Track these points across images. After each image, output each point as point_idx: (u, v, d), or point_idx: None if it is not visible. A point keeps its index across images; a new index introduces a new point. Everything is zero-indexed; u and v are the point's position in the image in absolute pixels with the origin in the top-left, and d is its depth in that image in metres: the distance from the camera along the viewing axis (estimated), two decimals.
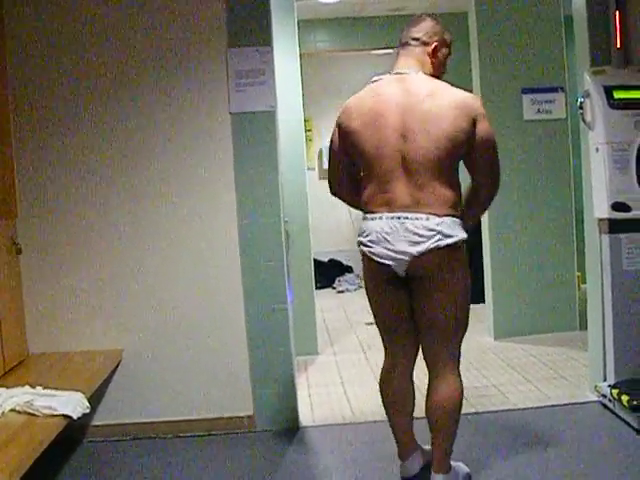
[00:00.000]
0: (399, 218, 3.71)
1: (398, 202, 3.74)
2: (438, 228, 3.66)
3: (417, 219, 3.68)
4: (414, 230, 3.67)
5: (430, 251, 3.67)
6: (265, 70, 4.98)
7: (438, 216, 3.68)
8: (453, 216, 3.72)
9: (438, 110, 3.69)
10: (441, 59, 3.98)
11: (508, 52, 7.05)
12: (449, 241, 3.67)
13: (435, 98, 3.73)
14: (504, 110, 7.04)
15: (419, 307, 3.87)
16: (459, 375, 3.89)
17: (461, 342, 3.92)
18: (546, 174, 7.16)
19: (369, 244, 3.80)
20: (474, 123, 3.70)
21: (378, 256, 3.77)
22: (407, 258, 3.70)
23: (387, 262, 3.76)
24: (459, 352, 3.92)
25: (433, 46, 3.93)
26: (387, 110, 3.78)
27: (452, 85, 3.81)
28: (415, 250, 3.67)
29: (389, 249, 3.73)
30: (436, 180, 3.69)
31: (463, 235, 3.75)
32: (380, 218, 3.76)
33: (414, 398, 4.10)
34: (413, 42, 3.93)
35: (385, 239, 3.73)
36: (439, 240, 3.66)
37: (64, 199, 5.02)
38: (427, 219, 3.67)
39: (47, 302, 5.05)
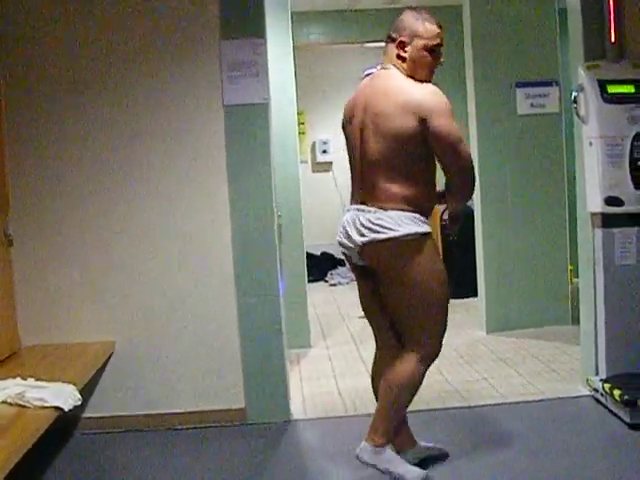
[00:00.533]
0: (357, 210, 3.92)
1: (358, 196, 3.97)
2: (379, 222, 3.80)
3: (367, 212, 3.86)
4: (362, 222, 3.86)
5: (373, 243, 3.83)
6: (258, 62, 4.96)
7: (384, 210, 3.81)
8: (403, 210, 3.79)
9: (387, 109, 3.80)
10: (412, 54, 3.87)
11: (502, 46, 7.05)
12: (390, 234, 3.77)
13: (389, 96, 3.82)
14: (498, 104, 7.04)
15: (384, 298, 4.03)
16: (420, 364, 3.91)
17: (433, 333, 3.93)
18: (539, 168, 7.15)
19: (338, 233, 4.00)
20: (423, 121, 3.72)
21: (340, 244, 4.01)
22: (356, 247, 3.90)
23: (344, 250, 4.02)
24: (429, 343, 3.93)
25: (398, 41, 3.90)
26: (356, 108, 3.97)
27: (425, 81, 3.84)
28: (360, 240, 3.86)
29: (346, 238, 3.95)
30: (385, 176, 3.84)
31: (412, 229, 3.77)
32: (349, 210, 4.00)
33: None
34: (388, 39, 3.97)
35: (345, 229, 3.95)
36: (379, 233, 3.79)
37: (56, 191, 5.01)
38: (374, 212, 3.84)
39: (39, 294, 5.04)
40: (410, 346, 3.93)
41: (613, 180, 4.86)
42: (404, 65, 3.89)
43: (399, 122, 3.75)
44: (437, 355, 3.99)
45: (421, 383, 3.95)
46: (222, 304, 5.07)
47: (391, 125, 3.77)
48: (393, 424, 3.95)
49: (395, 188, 3.80)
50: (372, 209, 3.84)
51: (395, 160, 3.80)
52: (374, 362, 4.25)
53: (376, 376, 4.17)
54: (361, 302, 4.23)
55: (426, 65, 3.87)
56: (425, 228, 3.82)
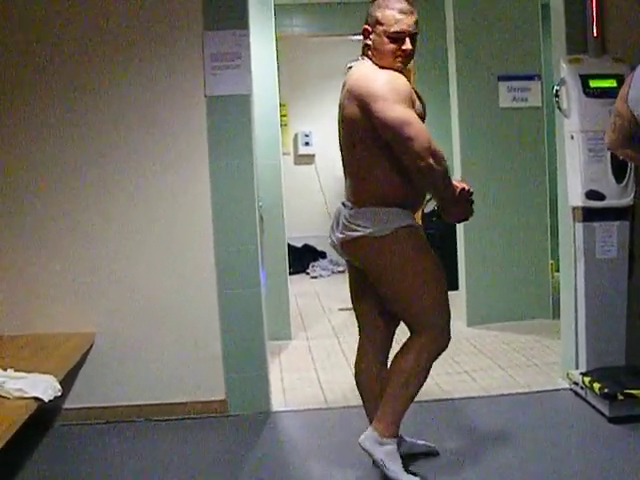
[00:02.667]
0: (343, 205, 3.91)
1: (345, 190, 3.96)
2: (353, 220, 3.79)
3: (347, 208, 3.85)
4: (342, 220, 3.85)
5: (349, 241, 3.82)
6: (241, 54, 4.95)
7: (359, 207, 3.79)
8: (377, 205, 3.75)
9: (343, 99, 3.80)
10: (375, 41, 3.78)
11: (484, 39, 7.05)
12: (361, 233, 3.75)
13: (345, 86, 3.81)
14: (480, 97, 7.05)
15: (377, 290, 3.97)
16: (424, 354, 3.82)
17: (432, 323, 3.83)
18: (521, 162, 7.17)
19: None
20: (366, 108, 3.63)
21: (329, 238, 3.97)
22: (337, 243, 3.90)
23: (331, 245, 3.98)
24: (430, 333, 3.82)
25: (363, 29, 3.84)
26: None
27: (392, 69, 3.74)
28: (339, 238, 3.86)
29: (332, 234, 3.94)
30: (357, 171, 3.83)
31: (386, 226, 3.72)
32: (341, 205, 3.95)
33: (381, 384, 4.01)
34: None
35: (332, 224, 3.95)
36: (353, 232, 3.79)
37: (35, 181, 4.98)
38: (350, 209, 3.84)
39: (19, 284, 5.02)
40: (412, 335, 3.88)
41: (594, 174, 4.88)
42: (370, 53, 3.82)
43: (348, 111, 3.73)
44: (444, 344, 3.89)
45: (427, 373, 3.88)
46: (203, 295, 5.06)
47: (344, 115, 3.78)
48: (398, 416, 3.87)
49: (367, 183, 3.76)
50: (349, 205, 3.84)
51: (359, 153, 3.76)
52: (357, 357, 4.19)
53: (360, 372, 4.15)
54: (350, 291, 4.19)
55: (388, 52, 3.73)
56: (402, 222, 3.75)
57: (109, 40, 4.93)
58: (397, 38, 3.71)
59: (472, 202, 3.85)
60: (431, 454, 4.22)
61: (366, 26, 3.81)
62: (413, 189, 3.78)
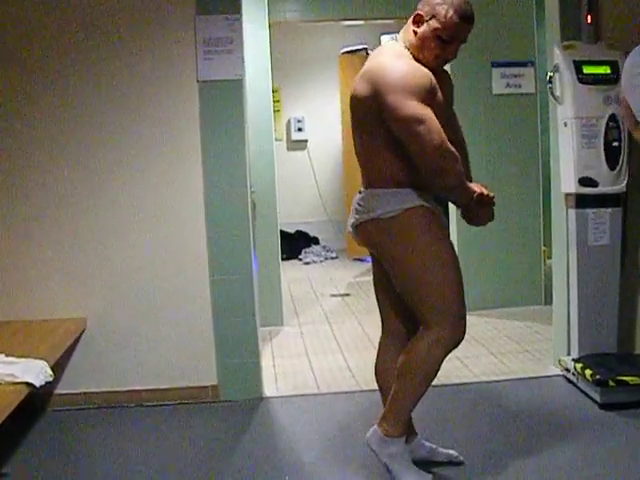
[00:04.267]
0: (358, 193, 3.79)
1: (362, 178, 3.81)
2: (363, 203, 3.69)
3: (359, 193, 3.76)
4: (354, 204, 3.76)
5: (360, 225, 3.71)
6: (234, 38, 4.93)
7: (368, 189, 3.70)
8: (386, 187, 3.60)
9: (358, 78, 3.63)
10: (423, 33, 3.55)
11: (478, 25, 6.93)
12: (369, 216, 3.63)
13: (366, 67, 3.65)
14: (473, 83, 7.04)
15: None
16: (435, 348, 3.57)
17: (444, 313, 3.57)
18: (514, 148, 7.16)
19: None
20: (377, 93, 3.47)
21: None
22: (351, 229, 3.78)
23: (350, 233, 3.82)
24: (442, 325, 3.56)
25: (415, 14, 3.59)
26: None
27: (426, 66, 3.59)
28: (350, 223, 3.77)
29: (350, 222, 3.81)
30: (364, 152, 3.71)
31: (393, 207, 3.56)
32: None
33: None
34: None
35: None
36: (361, 214, 3.68)
37: (24, 167, 4.96)
38: (362, 193, 3.74)
39: (10, 270, 5.00)
40: (423, 328, 3.63)
41: (587, 161, 4.87)
42: (412, 41, 3.61)
43: (359, 91, 3.57)
44: (458, 338, 3.64)
45: (437, 369, 3.63)
46: (195, 281, 5.06)
47: (355, 93, 3.61)
48: (405, 414, 3.69)
49: (377, 163, 3.62)
50: (362, 189, 3.73)
51: (367, 133, 3.62)
52: (378, 353, 3.98)
53: (379, 368, 3.94)
54: (373, 286, 4.00)
55: (431, 51, 3.57)
56: (412, 203, 3.56)
57: (101, 25, 4.90)
58: (447, 42, 3.57)
59: (493, 205, 3.70)
60: (454, 463, 3.97)
61: (421, 12, 3.57)
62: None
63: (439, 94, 3.58)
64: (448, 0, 3.54)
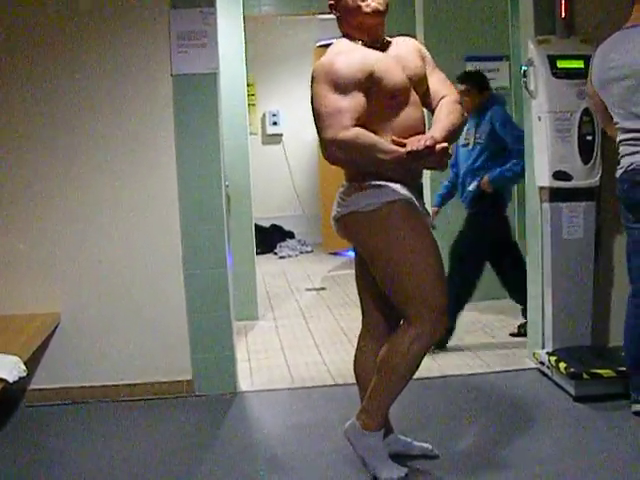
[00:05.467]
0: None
1: None
2: (342, 196, 3.69)
3: (341, 186, 3.76)
4: (337, 197, 3.76)
5: (338, 218, 3.71)
6: (208, 32, 4.92)
7: (348, 182, 3.70)
8: (363, 180, 3.60)
9: None
10: (340, 12, 3.62)
11: (453, 19, 7.05)
12: (349, 209, 3.63)
13: None
14: (447, 77, 6.99)
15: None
16: (415, 343, 3.56)
17: (422, 307, 3.54)
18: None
19: None
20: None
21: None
22: (332, 222, 3.79)
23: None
24: (421, 319, 3.54)
25: (328, 5, 3.68)
26: None
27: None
28: (332, 216, 3.77)
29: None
30: None
31: (367, 201, 3.56)
32: None
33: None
34: None
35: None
36: (342, 207, 3.68)
37: (0, 163, 4.94)
38: (342, 186, 3.74)
39: None
40: (404, 323, 3.65)
41: (561, 155, 4.90)
42: (344, 28, 3.69)
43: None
44: (437, 333, 3.63)
45: (418, 365, 3.64)
46: (169, 276, 5.04)
47: None
48: (383, 408, 3.71)
49: None
50: (344, 182, 3.72)
51: None
52: (357, 346, 3.97)
53: (358, 362, 3.94)
54: (355, 278, 3.99)
55: (355, 22, 3.61)
56: (391, 196, 3.55)
57: (73, 19, 4.87)
58: (359, 3, 3.54)
59: (432, 152, 3.42)
60: (429, 457, 3.98)
61: (330, 0, 3.64)
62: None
63: (384, 79, 3.53)
64: None
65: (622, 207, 4.40)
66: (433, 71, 3.86)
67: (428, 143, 3.39)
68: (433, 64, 3.88)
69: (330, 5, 3.67)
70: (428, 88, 3.80)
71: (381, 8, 3.58)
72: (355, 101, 3.46)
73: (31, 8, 4.85)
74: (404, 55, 3.70)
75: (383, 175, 3.56)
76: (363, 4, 3.54)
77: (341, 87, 3.46)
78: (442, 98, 3.78)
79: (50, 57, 4.89)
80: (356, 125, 3.44)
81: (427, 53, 3.88)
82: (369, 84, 3.50)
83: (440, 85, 3.84)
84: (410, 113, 3.64)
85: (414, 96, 3.68)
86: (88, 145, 4.96)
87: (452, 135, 3.65)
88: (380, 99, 3.54)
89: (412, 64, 3.71)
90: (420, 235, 3.61)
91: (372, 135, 3.45)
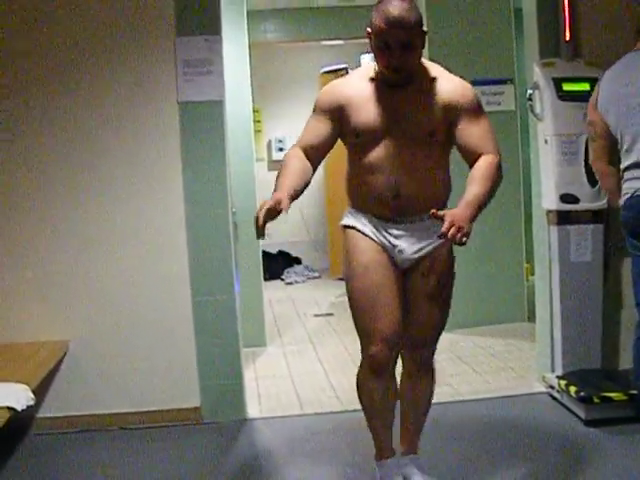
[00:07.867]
0: None
1: None
2: None
3: None
4: None
5: None
6: (214, 60, 4.93)
7: None
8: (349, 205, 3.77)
9: None
10: (371, 46, 3.46)
11: (458, 43, 7.06)
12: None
13: None
14: None
15: None
16: (361, 370, 3.71)
17: (360, 333, 3.65)
18: None
19: None
20: None
21: None
22: None
23: None
24: (362, 345, 3.64)
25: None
26: None
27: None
28: None
29: None
30: None
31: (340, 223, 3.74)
32: None
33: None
34: None
35: None
36: None
37: (7, 188, 4.94)
38: None
39: None
40: None
41: (568, 177, 4.89)
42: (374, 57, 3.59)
43: None
44: (372, 362, 3.60)
45: (372, 396, 3.68)
46: (177, 303, 5.03)
47: None
48: (374, 438, 3.80)
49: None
50: None
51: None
52: None
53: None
54: None
55: (380, 61, 3.46)
56: (345, 221, 3.71)
57: (81, 46, 4.89)
58: (388, 49, 3.37)
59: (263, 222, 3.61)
60: None
61: (368, 28, 3.45)
62: (363, 192, 3.62)
63: (351, 116, 3.55)
64: (380, 7, 3.39)
65: (626, 234, 4.21)
66: (473, 122, 3.70)
67: (458, 236, 3.43)
68: (476, 114, 3.73)
69: (366, 33, 3.51)
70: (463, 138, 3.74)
71: (401, 67, 3.44)
72: (315, 126, 3.62)
73: (40, 37, 4.87)
74: (416, 100, 3.58)
75: (350, 199, 3.73)
76: (386, 54, 3.41)
77: (315, 110, 3.65)
78: (479, 156, 3.71)
79: (58, 85, 4.91)
80: (312, 148, 3.60)
81: (469, 103, 3.74)
82: (337, 115, 3.58)
83: (479, 141, 3.72)
84: (379, 155, 3.55)
85: (396, 140, 3.55)
86: (95, 173, 4.96)
87: (479, 209, 3.75)
88: (347, 134, 3.61)
89: (419, 114, 3.60)
90: (354, 261, 3.63)
91: (290, 165, 3.63)
